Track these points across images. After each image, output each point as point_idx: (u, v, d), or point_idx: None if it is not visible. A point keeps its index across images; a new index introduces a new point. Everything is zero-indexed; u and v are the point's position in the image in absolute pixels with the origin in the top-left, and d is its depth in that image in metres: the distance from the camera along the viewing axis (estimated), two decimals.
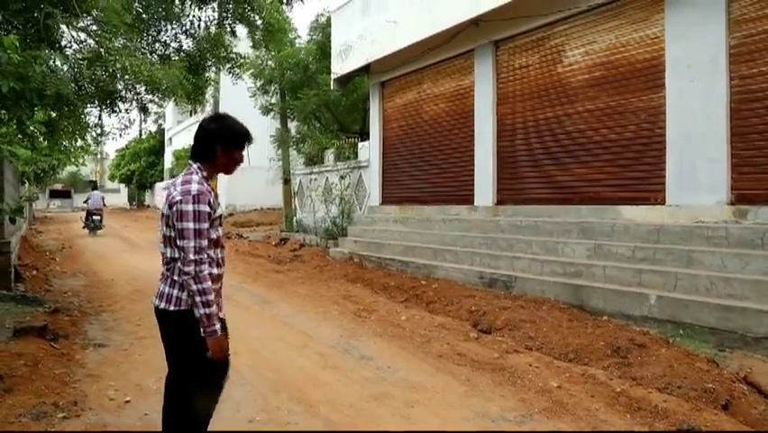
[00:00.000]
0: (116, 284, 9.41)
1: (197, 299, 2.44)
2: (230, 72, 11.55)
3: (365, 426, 3.77)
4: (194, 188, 2.50)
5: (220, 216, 2.71)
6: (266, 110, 19.45)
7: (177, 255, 2.53)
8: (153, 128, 48.06)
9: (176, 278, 2.56)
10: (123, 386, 4.47)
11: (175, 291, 2.56)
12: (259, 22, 10.90)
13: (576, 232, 8.19)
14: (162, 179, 40.56)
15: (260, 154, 25.22)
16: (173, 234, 2.54)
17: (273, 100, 19.35)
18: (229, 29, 10.79)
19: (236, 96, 20.11)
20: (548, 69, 9.32)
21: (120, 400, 4.20)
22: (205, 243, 2.48)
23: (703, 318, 5.66)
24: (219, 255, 2.69)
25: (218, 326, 2.50)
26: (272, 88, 19.02)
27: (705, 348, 5.29)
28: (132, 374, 4.77)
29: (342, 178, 15.10)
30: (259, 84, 18.73)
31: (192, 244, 2.45)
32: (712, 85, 6.93)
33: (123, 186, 51.24)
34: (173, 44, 10.50)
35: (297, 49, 18.66)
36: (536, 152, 9.49)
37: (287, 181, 19.04)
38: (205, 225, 2.49)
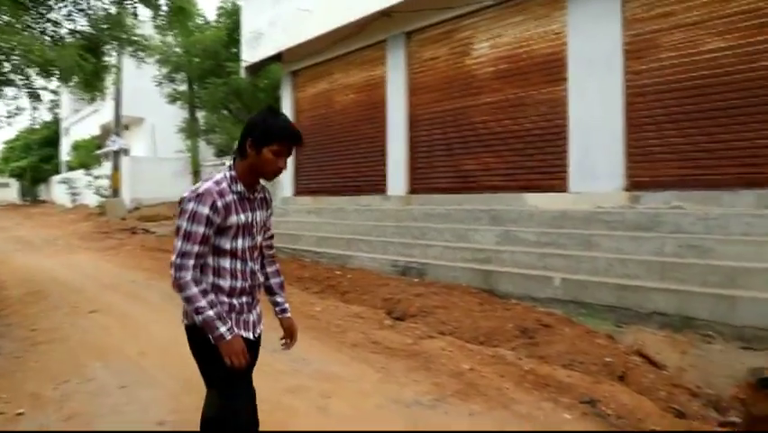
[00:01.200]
0: (8, 286, 8.73)
1: (187, 307, 2.26)
2: (133, 56, 10.93)
3: (282, 419, 3.72)
4: (204, 186, 2.25)
5: (248, 224, 2.37)
6: (173, 99, 18.68)
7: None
8: (48, 117, 44.76)
9: None
10: (16, 397, 4.15)
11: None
12: (162, 3, 10.36)
13: (486, 219, 8.47)
14: (58, 172, 37.84)
15: (167, 145, 24.30)
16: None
17: (181, 88, 18.61)
18: (131, 10, 10.18)
19: (140, 84, 19.15)
20: (457, 61, 9.54)
21: (11, 412, 3.89)
22: (194, 248, 2.21)
23: (602, 298, 6.03)
24: (237, 266, 2.38)
25: (223, 329, 2.23)
26: (179, 76, 18.29)
27: (604, 325, 5.63)
28: (27, 384, 4.44)
29: None
30: (165, 71, 17.94)
31: (178, 245, 2.21)
32: (609, 79, 7.36)
33: (14, 180, 47.39)
34: (67, 24, 9.76)
35: (206, 34, 18.00)
36: (447, 142, 9.70)
37: (196, 173, 18.42)
38: (201, 229, 2.20)
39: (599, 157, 7.45)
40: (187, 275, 2.20)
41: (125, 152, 22.71)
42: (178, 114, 20.58)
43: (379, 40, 10.95)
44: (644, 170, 7.11)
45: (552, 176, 8.08)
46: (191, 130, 18.51)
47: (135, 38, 10.44)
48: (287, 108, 13.78)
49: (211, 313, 2.21)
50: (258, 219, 2.44)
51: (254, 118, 2.30)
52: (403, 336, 5.70)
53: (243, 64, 14.29)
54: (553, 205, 7.85)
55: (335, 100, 12.38)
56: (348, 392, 4.23)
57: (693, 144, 6.69)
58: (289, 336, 2.78)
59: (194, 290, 2.20)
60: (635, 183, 7.17)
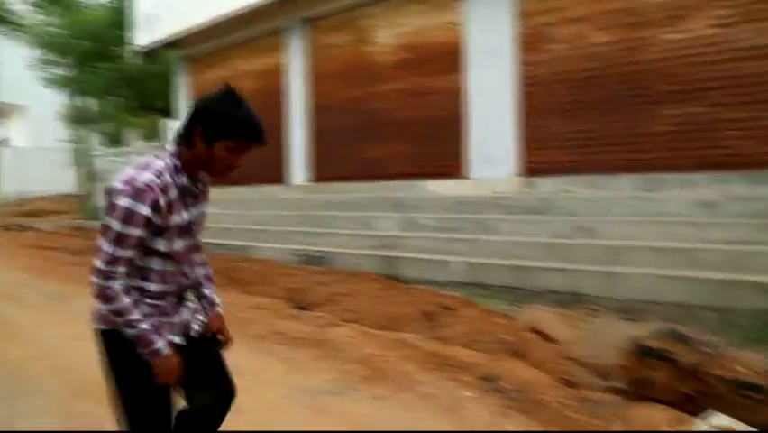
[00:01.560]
0: None
1: (116, 319, 1.87)
2: (7, 36, 9.99)
3: None
4: (143, 177, 1.79)
5: (190, 223, 2.00)
6: (51, 83, 17.18)
7: None
8: None
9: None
10: None
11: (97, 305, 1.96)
12: None
13: (388, 206, 8.56)
14: None
15: (50, 134, 22.56)
16: None
17: (63, 73, 17.21)
18: None
19: (23, 69, 17.54)
20: (359, 48, 9.54)
21: None
22: (126, 252, 1.81)
23: (500, 279, 6.29)
24: (169, 268, 1.99)
25: (160, 343, 1.89)
26: (62, 59, 16.92)
27: (502, 305, 5.87)
28: None
29: None
30: (43, 53, 16.48)
31: (106, 248, 1.79)
32: (504, 69, 7.64)
33: None
34: None
35: (91, 14, 16.74)
36: (350, 131, 9.70)
37: (83, 164, 17.21)
38: (136, 232, 1.79)
39: (496, 144, 7.73)
40: (116, 284, 1.82)
41: (4, 142, 20.92)
42: (65, 101, 19.15)
43: (280, 26, 10.73)
44: (538, 157, 7.47)
45: (451, 163, 8.30)
46: (78, 118, 17.22)
47: (7, 15, 9.51)
48: (183, 95, 13.21)
49: (146, 326, 1.86)
50: (200, 216, 2.09)
51: (208, 103, 1.88)
52: (308, 326, 5.65)
53: (136, 48, 13.52)
54: (453, 191, 8.07)
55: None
56: (253, 384, 4.13)
57: (581, 132, 7.11)
58: (217, 333, 2.36)
59: (125, 301, 1.84)
60: (530, 169, 7.52)
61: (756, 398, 4.24)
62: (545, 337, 5.03)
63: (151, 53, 14.00)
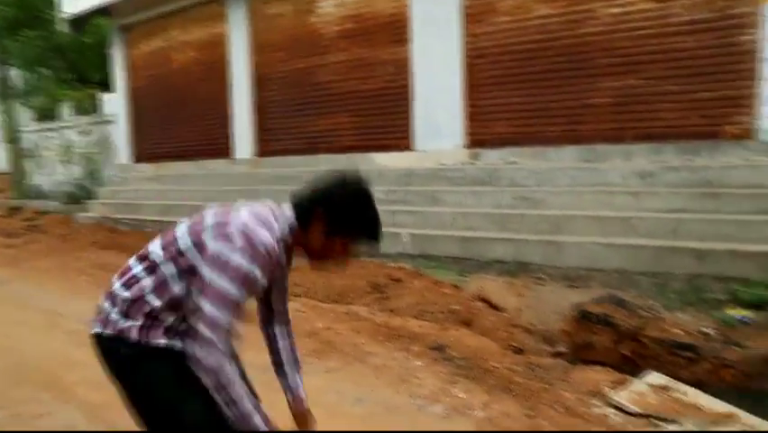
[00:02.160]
0: None
1: (216, 395, 1.57)
2: None
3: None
4: (264, 238, 1.55)
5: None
6: None
7: (147, 287, 1.67)
8: None
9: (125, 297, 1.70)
10: None
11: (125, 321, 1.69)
12: None
13: None
14: None
15: None
16: (175, 269, 1.65)
17: None
18: None
19: None
20: (302, 19, 9.32)
21: None
22: (235, 319, 1.56)
23: (448, 250, 6.37)
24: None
25: (256, 419, 1.61)
26: None
27: (450, 276, 5.95)
28: None
29: (84, 134, 13.44)
30: None
31: (215, 314, 1.52)
32: (450, 41, 7.63)
33: None
34: None
35: None
36: (295, 103, 9.53)
37: (13, 140, 16.29)
38: (244, 296, 1.56)
39: (442, 116, 7.75)
40: (225, 358, 1.54)
41: None
42: None
43: None
44: (483, 129, 7.54)
45: (398, 135, 8.28)
46: (5, 91, 16.23)
47: None
48: (119, 66, 12.63)
49: (250, 406, 1.61)
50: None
51: (338, 193, 1.68)
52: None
53: (64, 16, 12.77)
54: (400, 163, 8.07)
55: (174, 59, 11.56)
56: None
57: (526, 104, 7.20)
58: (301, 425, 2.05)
59: (231, 375, 1.56)
60: (475, 141, 7.59)
61: (689, 357, 4.49)
62: (492, 306, 5.15)
63: (81, 21, 13.26)
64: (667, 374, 3.89)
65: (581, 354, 4.72)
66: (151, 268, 1.67)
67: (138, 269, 1.70)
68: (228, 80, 10.38)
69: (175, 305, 1.66)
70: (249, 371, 2.01)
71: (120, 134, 12.65)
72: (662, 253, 5.29)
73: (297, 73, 9.42)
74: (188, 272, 1.63)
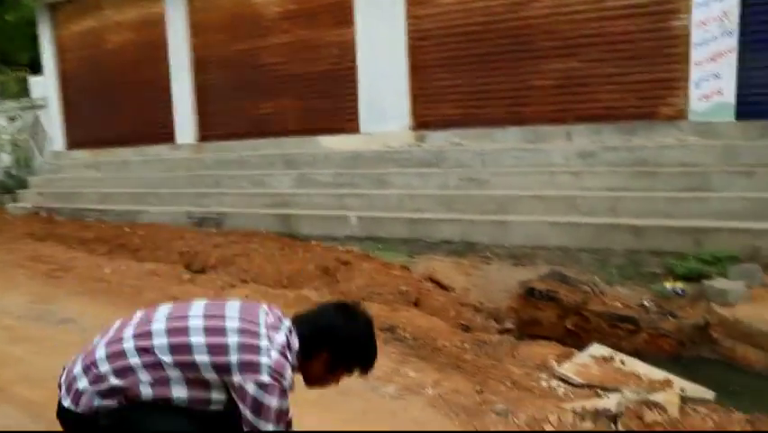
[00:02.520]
0: None
1: None
2: None
3: None
4: (288, 373, 1.66)
5: None
6: None
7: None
8: None
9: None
10: None
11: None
12: None
13: (281, 163, 8.38)
14: None
15: None
16: (182, 377, 1.64)
17: None
18: None
19: None
20: None
21: None
22: None
23: (396, 232, 6.39)
24: None
25: None
26: None
27: (399, 257, 5.99)
28: None
29: (11, 120, 12.70)
30: None
31: None
32: (394, 23, 7.57)
33: None
34: None
35: None
36: (238, 86, 9.28)
37: None
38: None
39: (387, 99, 7.72)
40: None
41: None
42: None
43: None
44: (428, 111, 7.56)
45: (343, 118, 8.21)
46: None
47: None
48: (48, 47, 11.94)
49: None
50: None
51: (345, 335, 1.77)
52: (204, 289, 5.47)
53: None
54: (346, 146, 8.02)
55: (108, 39, 11.02)
56: None
57: (470, 86, 7.25)
58: None
59: None
60: (421, 123, 7.61)
61: (629, 328, 4.69)
62: (441, 286, 5.22)
63: None
64: (609, 346, 4.05)
65: (528, 330, 4.86)
66: (153, 365, 1.62)
67: (135, 360, 1.62)
68: (167, 62, 10.00)
69: (166, 400, 1.65)
70: None
71: (51, 120, 12.00)
72: (602, 230, 5.48)
73: (239, 55, 9.17)
74: (198, 384, 1.64)
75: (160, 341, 1.63)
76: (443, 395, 3.21)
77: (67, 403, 1.64)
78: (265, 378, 1.59)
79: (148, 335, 1.65)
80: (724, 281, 4.62)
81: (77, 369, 1.67)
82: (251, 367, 1.59)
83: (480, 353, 3.78)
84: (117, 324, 1.78)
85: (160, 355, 1.61)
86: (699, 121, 6.02)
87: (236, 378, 1.59)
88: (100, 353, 1.65)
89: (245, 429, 1.64)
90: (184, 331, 1.64)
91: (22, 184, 11.72)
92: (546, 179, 6.31)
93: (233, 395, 1.63)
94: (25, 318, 4.79)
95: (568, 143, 6.64)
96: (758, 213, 5.10)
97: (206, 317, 1.69)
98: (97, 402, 1.61)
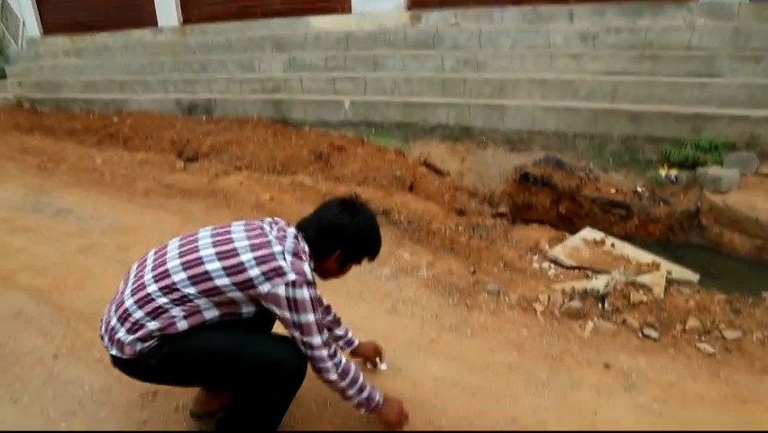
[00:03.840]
0: None
1: (348, 390, 1.88)
2: None
3: (80, 280, 3.38)
4: (307, 269, 1.73)
5: None
6: None
7: (176, 316, 1.67)
8: None
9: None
10: None
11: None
12: None
13: (270, 46, 8.04)
14: None
15: None
16: (210, 303, 1.69)
17: None
18: None
19: None
20: None
21: None
22: (325, 335, 1.81)
23: (390, 116, 6.26)
24: None
25: (378, 397, 1.97)
26: None
27: (393, 142, 5.92)
28: None
29: None
30: None
31: (317, 340, 1.76)
32: None
33: None
34: None
35: None
36: None
37: None
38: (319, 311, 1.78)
39: None
40: (337, 364, 1.83)
41: None
42: None
43: None
44: None
45: None
46: None
47: None
48: None
49: (373, 390, 1.95)
50: None
51: (354, 233, 1.84)
52: (197, 177, 5.43)
53: None
54: (338, 27, 7.67)
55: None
56: (147, 240, 3.95)
57: None
58: (374, 355, 2.41)
59: (352, 372, 1.88)
60: (416, 1, 7.24)
61: (621, 214, 4.75)
62: (436, 171, 5.21)
63: None
64: (601, 231, 4.12)
65: (522, 214, 4.92)
66: (181, 300, 1.68)
67: (163, 300, 1.68)
68: None
69: (200, 325, 1.73)
70: None
71: (23, 2, 11.27)
72: (599, 116, 5.38)
73: None
74: (226, 304, 1.71)
75: (179, 276, 1.69)
76: (437, 276, 3.29)
77: (114, 352, 1.71)
78: (290, 276, 1.67)
79: (166, 274, 1.70)
80: (718, 169, 4.62)
81: (114, 321, 1.72)
82: (273, 273, 1.66)
83: (474, 236, 3.84)
84: (134, 269, 1.83)
85: (184, 290, 1.67)
86: (711, 1, 5.74)
87: (263, 288, 1.66)
88: (129, 302, 1.70)
89: (289, 333, 1.76)
90: (198, 262, 1.69)
91: (1, 74, 11.22)
92: (545, 62, 6.11)
93: (266, 305, 1.71)
94: (22, 210, 4.78)
95: (569, 25, 6.37)
96: (761, 100, 4.99)
97: (215, 243, 1.73)
98: (140, 346, 1.67)
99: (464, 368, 2.45)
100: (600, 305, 2.90)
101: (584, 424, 2.12)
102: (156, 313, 1.67)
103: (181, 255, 1.73)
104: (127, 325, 1.68)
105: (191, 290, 1.67)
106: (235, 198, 4.74)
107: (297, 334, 1.73)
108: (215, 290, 1.67)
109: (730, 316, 2.75)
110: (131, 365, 1.73)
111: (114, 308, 1.75)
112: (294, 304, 1.68)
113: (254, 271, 1.66)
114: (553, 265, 3.47)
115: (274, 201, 4.60)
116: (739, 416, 2.16)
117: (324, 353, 1.77)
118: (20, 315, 2.93)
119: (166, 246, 1.83)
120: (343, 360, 1.85)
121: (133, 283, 1.75)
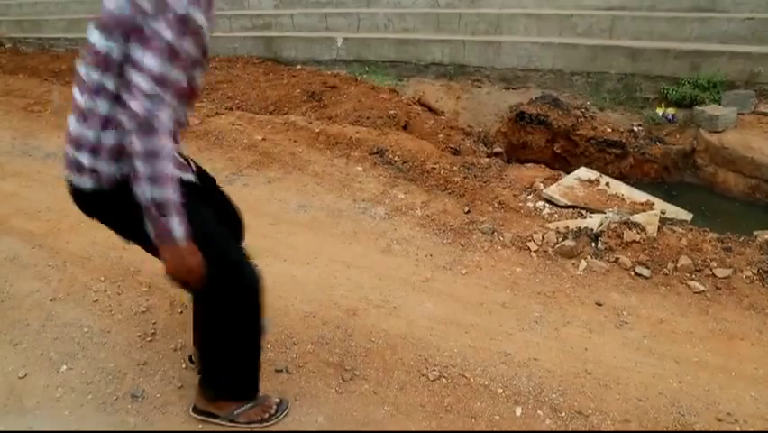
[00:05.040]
0: None
1: (158, 196, 1.34)
2: None
3: (71, 223, 3.36)
4: None
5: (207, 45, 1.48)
6: None
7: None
8: None
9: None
10: None
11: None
12: None
13: None
14: None
15: None
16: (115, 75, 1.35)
17: None
18: None
19: None
20: None
21: None
22: (179, 76, 1.34)
23: (384, 54, 6.13)
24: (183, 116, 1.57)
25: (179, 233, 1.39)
26: None
27: (387, 80, 5.82)
28: None
29: None
30: None
31: (153, 64, 1.27)
32: None
33: None
34: None
35: None
36: None
37: None
38: (191, 50, 1.35)
39: None
40: (166, 118, 1.30)
41: None
42: None
43: None
44: None
45: None
46: None
47: None
48: None
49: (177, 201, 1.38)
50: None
51: None
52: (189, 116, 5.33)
53: None
54: None
55: None
56: None
57: None
58: None
59: (168, 148, 1.33)
60: None
61: (616, 153, 4.73)
62: (431, 110, 5.14)
63: None
64: (596, 170, 4.10)
65: (517, 154, 4.89)
66: (104, 62, 1.36)
67: (96, 75, 1.39)
68: None
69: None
70: None
71: None
72: (597, 52, 5.27)
73: None
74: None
75: (94, 38, 1.38)
76: (432, 215, 3.30)
77: (90, 185, 1.45)
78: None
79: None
80: (715, 107, 4.57)
81: (70, 150, 1.46)
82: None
83: (469, 175, 3.81)
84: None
85: (100, 46, 1.36)
86: None
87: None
88: (73, 115, 1.46)
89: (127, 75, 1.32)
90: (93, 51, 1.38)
91: None
92: None
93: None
94: (10, 154, 4.71)
95: None
96: (764, 36, 4.86)
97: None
98: (116, 169, 1.42)
99: (458, 306, 2.49)
100: (594, 244, 2.92)
101: (575, 360, 2.17)
102: (95, 92, 1.40)
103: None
104: (88, 124, 1.43)
105: (106, 44, 1.34)
106: (227, 139, 4.67)
107: (139, 51, 1.28)
108: (125, 22, 1.30)
109: (721, 254, 2.77)
110: (111, 200, 1.46)
111: (67, 140, 1.48)
112: (156, 4, 1.26)
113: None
114: (547, 204, 3.47)
115: (267, 141, 4.54)
116: (726, 351, 2.22)
117: (143, 83, 1.27)
118: (15, 259, 2.94)
119: None
120: (165, 122, 1.29)
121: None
